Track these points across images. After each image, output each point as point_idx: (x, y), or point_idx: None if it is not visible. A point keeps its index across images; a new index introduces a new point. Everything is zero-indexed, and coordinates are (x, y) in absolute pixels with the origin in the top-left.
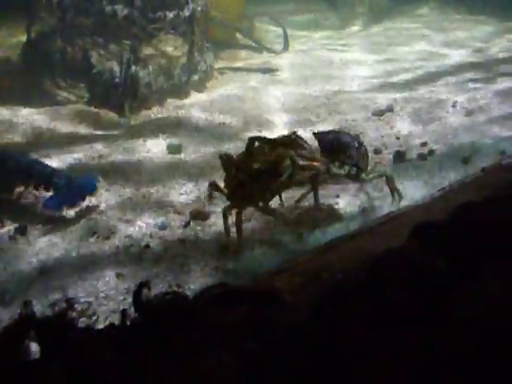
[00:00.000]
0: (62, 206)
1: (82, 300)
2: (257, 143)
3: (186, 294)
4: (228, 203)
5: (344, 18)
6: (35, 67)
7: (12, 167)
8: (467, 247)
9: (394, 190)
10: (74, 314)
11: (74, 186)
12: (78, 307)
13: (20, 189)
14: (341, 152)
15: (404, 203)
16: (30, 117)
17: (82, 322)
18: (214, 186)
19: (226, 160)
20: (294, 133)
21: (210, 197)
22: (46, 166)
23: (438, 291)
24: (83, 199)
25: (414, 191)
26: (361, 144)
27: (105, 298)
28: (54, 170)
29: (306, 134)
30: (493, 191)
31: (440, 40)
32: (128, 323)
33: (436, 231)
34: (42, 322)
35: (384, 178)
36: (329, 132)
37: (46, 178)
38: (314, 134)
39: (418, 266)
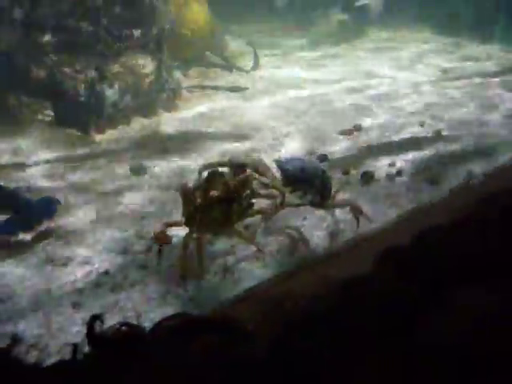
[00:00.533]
0: (19, 230)
1: (35, 332)
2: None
3: (142, 326)
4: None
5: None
6: None
7: None
8: (435, 272)
9: (359, 218)
10: (21, 349)
11: (32, 209)
12: (28, 341)
13: None
14: (303, 182)
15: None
16: None
17: (33, 357)
18: (166, 226)
19: (185, 189)
20: (259, 158)
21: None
22: (3, 187)
23: (403, 319)
24: (41, 223)
25: (381, 213)
26: (324, 172)
27: (59, 329)
28: (11, 192)
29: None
30: (462, 213)
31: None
32: (80, 358)
33: (403, 256)
34: None
35: (348, 206)
36: (291, 159)
37: (3, 200)
38: (276, 160)
39: (383, 293)
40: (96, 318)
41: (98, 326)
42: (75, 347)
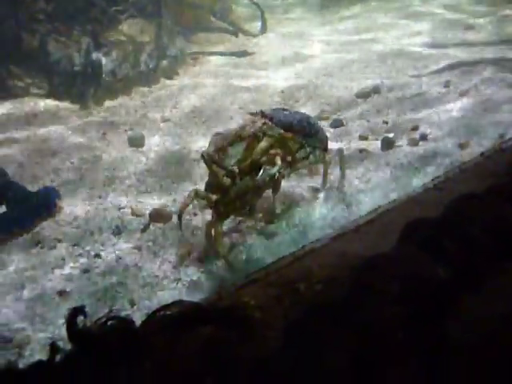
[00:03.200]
0: (13, 229)
1: (16, 326)
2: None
3: (131, 320)
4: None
5: None
6: None
7: None
8: (468, 250)
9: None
10: None
11: (31, 202)
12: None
13: None
14: (312, 135)
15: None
16: None
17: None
18: (196, 194)
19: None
20: (263, 113)
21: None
22: None
23: (433, 308)
24: (40, 220)
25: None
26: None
27: (42, 322)
28: (7, 181)
29: None
30: (494, 179)
31: None
32: (59, 358)
33: (430, 231)
34: None
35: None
36: (281, 111)
37: None
38: (254, 114)
39: (409, 276)
40: (77, 311)
41: (80, 321)
42: (54, 346)
